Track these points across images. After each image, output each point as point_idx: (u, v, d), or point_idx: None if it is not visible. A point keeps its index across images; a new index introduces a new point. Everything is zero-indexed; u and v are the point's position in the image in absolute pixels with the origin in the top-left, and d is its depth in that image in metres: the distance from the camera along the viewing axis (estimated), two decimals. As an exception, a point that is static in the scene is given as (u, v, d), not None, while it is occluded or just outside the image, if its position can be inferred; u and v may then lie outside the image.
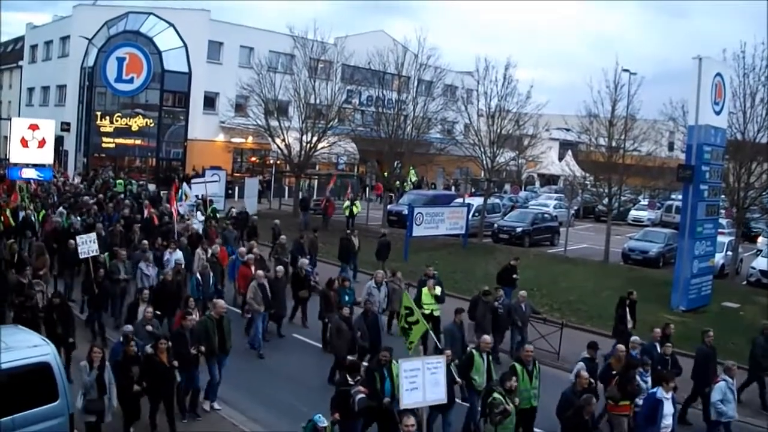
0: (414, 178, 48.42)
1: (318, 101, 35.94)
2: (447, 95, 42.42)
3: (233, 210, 27.53)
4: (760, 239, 32.43)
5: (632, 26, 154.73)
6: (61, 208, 23.74)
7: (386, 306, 16.59)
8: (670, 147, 36.96)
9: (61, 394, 9.09)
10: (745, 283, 26.48)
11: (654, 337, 13.58)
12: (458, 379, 11.03)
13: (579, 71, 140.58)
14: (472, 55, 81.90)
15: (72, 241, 17.81)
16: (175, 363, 10.85)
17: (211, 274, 16.74)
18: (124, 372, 10.34)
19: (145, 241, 18.46)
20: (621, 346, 12.38)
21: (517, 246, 30.71)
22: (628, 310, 16.05)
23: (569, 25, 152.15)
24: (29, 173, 28.04)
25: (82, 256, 16.02)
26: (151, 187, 37.20)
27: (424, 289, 16.17)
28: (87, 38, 43.49)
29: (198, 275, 16.46)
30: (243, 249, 19.15)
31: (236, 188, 40.17)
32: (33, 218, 21.98)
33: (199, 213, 25.18)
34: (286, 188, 42.57)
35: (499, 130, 31.46)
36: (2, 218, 21.71)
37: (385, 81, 36.44)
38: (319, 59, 37.25)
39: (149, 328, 12.05)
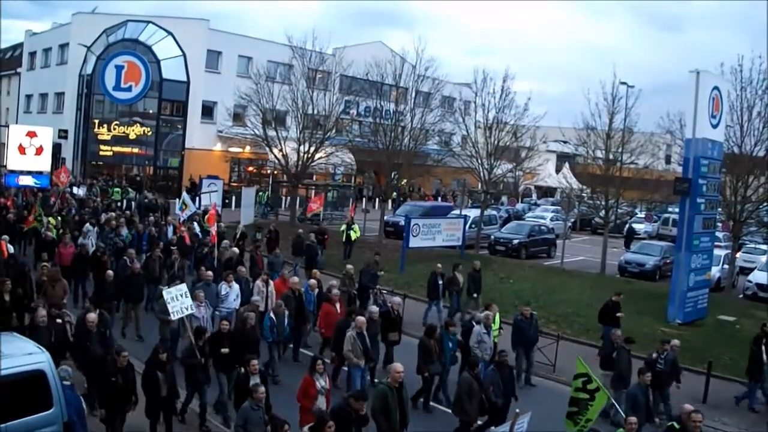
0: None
1: (316, 111, 35.96)
2: (444, 107, 42.60)
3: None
4: (738, 254, 31.93)
5: (629, 39, 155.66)
6: (88, 225, 20.99)
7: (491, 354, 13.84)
8: (667, 160, 37.02)
9: (55, 402, 8.99)
10: (741, 296, 26.48)
11: None
12: None
13: (576, 82, 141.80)
14: (470, 66, 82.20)
15: (110, 272, 15.43)
16: None
17: (286, 312, 14.04)
18: None
19: (210, 273, 15.63)
20: None
21: (514, 258, 30.72)
22: (764, 347, 14.26)
23: (566, 38, 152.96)
24: (26, 180, 28.05)
25: (175, 317, 12.24)
26: (149, 195, 37.11)
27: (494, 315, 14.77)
28: (86, 46, 43.61)
29: (272, 314, 13.80)
30: (313, 281, 16.26)
31: (233, 198, 40.13)
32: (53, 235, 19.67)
33: (196, 225, 23.59)
34: (283, 198, 42.64)
35: (496, 142, 31.51)
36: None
37: (383, 92, 36.48)
38: (318, 69, 37.29)
39: (261, 414, 9.15)
